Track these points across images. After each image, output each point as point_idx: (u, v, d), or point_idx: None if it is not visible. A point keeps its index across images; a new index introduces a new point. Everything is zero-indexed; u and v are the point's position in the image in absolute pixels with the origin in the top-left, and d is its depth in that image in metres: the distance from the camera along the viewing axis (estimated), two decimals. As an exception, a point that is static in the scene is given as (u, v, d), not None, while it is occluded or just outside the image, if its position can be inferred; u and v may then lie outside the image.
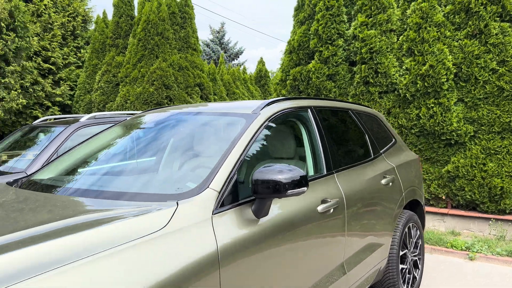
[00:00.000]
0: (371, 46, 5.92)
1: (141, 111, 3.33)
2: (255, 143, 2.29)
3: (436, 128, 5.45)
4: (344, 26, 6.47)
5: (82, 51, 11.75)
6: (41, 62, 10.68)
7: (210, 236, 1.71)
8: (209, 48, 31.14)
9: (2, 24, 9.37)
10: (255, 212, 1.95)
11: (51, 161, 2.68)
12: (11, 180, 2.45)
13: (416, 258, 3.65)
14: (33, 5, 11.09)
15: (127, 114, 5.26)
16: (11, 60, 9.59)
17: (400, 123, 5.79)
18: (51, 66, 10.85)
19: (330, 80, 6.53)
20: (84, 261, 1.33)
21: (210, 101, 10.88)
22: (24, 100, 9.51)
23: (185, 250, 1.60)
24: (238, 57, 33.26)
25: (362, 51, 6.02)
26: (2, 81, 9.42)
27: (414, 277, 3.60)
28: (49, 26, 11.05)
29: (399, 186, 3.38)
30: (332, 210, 2.46)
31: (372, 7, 6.08)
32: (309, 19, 6.99)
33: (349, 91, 6.37)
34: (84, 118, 4.53)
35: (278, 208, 2.12)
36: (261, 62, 18.76)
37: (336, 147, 2.86)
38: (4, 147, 4.74)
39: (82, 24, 11.88)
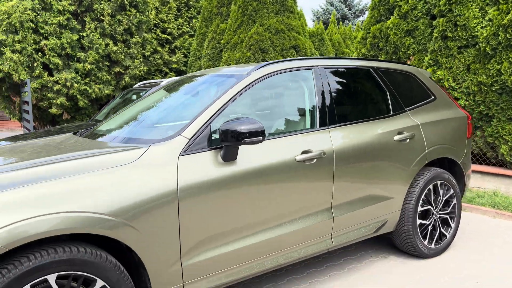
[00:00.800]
0: (449, -4, 5.49)
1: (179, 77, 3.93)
2: (243, 100, 2.68)
3: (518, 85, 4.94)
4: (425, -24, 6.06)
5: (194, 20, 12.91)
6: (159, 33, 12.12)
7: (173, 173, 2.22)
8: (333, 6, 30.49)
9: (126, 2, 10.88)
10: (223, 156, 2.38)
11: (110, 118, 3.45)
12: (79, 131, 3.29)
13: (447, 216, 3.62)
14: (155, -18, 12.46)
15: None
16: (134, 33, 11.14)
17: (479, 80, 5.35)
18: (167, 36, 12.25)
19: (409, 36, 6.26)
20: (72, 176, 1.98)
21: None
22: (145, 68, 11.06)
23: (149, 180, 2.14)
24: (364, 13, 31.81)
25: (440, 3, 5.63)
26: (128, 51, 11.05)
27: (443, 235, 3.61)
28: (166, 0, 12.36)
29: (421, 143, 3.39)
30: (315, 160, 2.74)
31: (454, -47, 5.58)
32: (391, -28, 6.67)
33: (428, 47, 6.04)
34: (163, 82, 5.35)
35: (253, 156, 2.51)
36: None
37: (338, 105, 3.05)
38: (108, 110, 5.89)
39: (194, -5, 12.97)
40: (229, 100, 2.56)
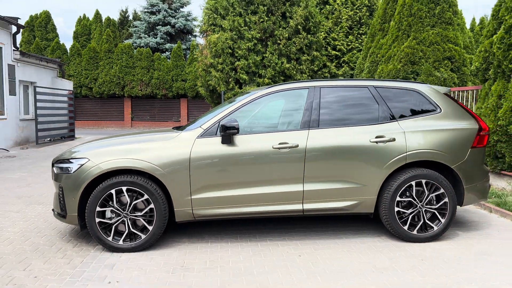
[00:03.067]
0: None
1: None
2: (250, 109, 4.35)
3: None
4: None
5: (363, 37, 14.11)
6: (330, 50, 13.89)
7: (189, 147, 4.11)
8: None
9: (299, 27, 13.12)
10: (222, 141, 4.13)
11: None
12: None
13: (435, 211, 4.27)
14: (330, 6, 14.33)
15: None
16: (305, 52, 13.27)
17: None
18: (337, 53, 13.89)
19: (513, 49, 6.24)
20: (143, 142, 4.13)
21: (463, 73, 10.87)
22: (310, 81, 13.04)
23: (178, 149, 4.10)
24: None
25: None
26: (299, 67, 13.26)
27: (429, 226, 4.28)
28: (339, 20, 14.03)
29: (401, 146, 4.22)
30: (287, 149, 4.14)
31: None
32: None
33: (529, 59, 5.94)
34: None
35: (244, 143, 4.16)
36: None
37: (323, 114, 4.31)
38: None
39: (367, 14, 14.15)
40: (237, 108, 4.28)
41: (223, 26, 13.11)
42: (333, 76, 13.88)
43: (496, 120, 6.39)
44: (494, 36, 6.50)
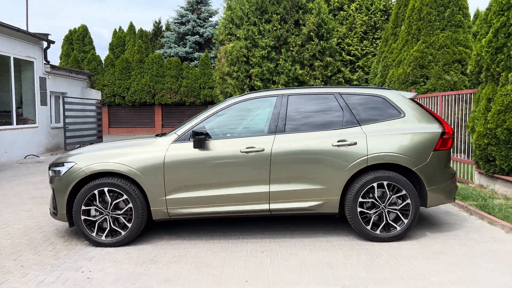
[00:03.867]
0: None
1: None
2: (222, 116, 4.71)
3: None
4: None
5: (377, 41, 14.13)
6: (344, 55, 14.01)
7: (164, 151, 4.50)
8: None
9: (312, 34, 13.35)
10: (193, 145, 4.50)
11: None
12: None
13: (397, 212, 4.44)
14: (344, 12, 14.48)
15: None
16: (318, 58, 13.47)
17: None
18: (351, 58, 13.99)
19: (500, 53, 6.24)
20: (123, 148, 4.57)
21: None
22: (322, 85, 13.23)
23: (153, 153, 4.51)
24: None
25: (513, 19, 5.63)
26: (312, 73, 13.48)
27: (392, 226, 4.45)
28: (353, 26, 14.14)
29: (362, 149, 4.43)
30: (254, 153, 4.46)
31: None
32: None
33: (515, 62, 5.94)
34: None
35: (214, 148, 4.52)
36: None
37: (289, 120, 4.59)
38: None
39: (382, 18, 14.18)
40: (207, 117, 4.65)
41: (238, 35, 13.55)
42: (348, 81, 13.98)
43: (486, 123, 6.40)
44: (483, 40, 6.52)
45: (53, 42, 13.85)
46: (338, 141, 4.49)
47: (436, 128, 4.56)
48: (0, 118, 12.18)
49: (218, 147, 4.52)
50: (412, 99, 4.78)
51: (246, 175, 4.49)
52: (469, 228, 4.92)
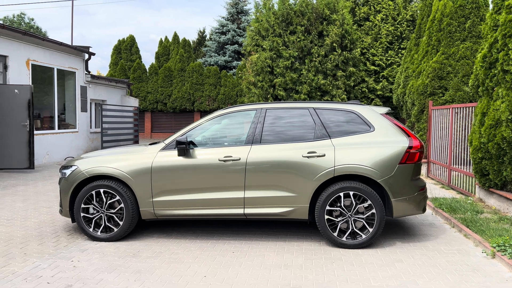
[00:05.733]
0: None
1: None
2: (206, 128, 5.21)
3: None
4: None
5: (403, 51, 14.08)
6: (368, 65, 14.09)
7: (152, 158, 5.05)
8: None
9: (334, 44, 13.57)
10: (178, 153, 5.02)
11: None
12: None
13: (363, 220, 4.70)
14: (370, 22, 14.57)
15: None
16: (341, 67, 13.65)
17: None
18: (376, 68, 14.04)
19: (493, 68, 6.28)
20: (118, 154, 5.18)
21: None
22: (345, 96, 13.39)
23: (144, 159, 5.07)
24: None
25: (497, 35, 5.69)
26: (335, 83, 13.69)
27: (358, 234, 4.72)
28: (378, 36, 14.20)
29: (330, 160, 4.74)
30: (231, 162, 4.90)
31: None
32: None
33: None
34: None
35: (196, 156, 5.01)
36: None
37: (265, 132, 4.99)
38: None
39: (409, 28, 14.13)
40: (192, 128, 5.16)
41: (263, 46, 14.03)
42: (372, 91, 14.02)
43: (480, 137, 6.44)
44: (478, 55, 6.57)
45: (93, 54, 15.04)
46: (308, 153, 4.83)
47: (403, 142, 4.78)
48: (44, 123, 13.44)
49: (199, 156, 5.00)
50: (385, 114, 5.02)
51: (223, 181, 4.93)
52: (442, 240, 5.06)
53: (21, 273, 4.03)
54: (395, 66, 14.13)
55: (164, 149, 5.12)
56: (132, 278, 3.93)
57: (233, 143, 5.18)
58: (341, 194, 4.73)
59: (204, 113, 30.04)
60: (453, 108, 8.60)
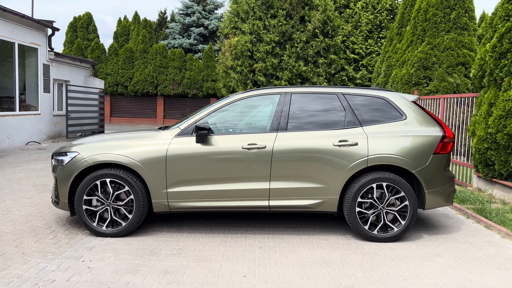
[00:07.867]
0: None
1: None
2: (225, 112, 4.75)
3: None
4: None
5: (382, 41, 14.12)
6: (348, 53, 14.01)
7: (167, 145, 4.54)
8: None
9: (317, 31, 13.34)
10: (196, 140, 4.54)
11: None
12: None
13: (395, 213, 4.49)
14: (350, 10, 14.45)
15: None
16: (323, 54, 13.46)
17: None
18: (355, 56, 13.99)
19: (504, 58, 6.26)
20: (127, 140, 4.61)
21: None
22: (325, 84, 13.23)
23: (156, 146, 4.55)
24: None
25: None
26: (315, 70, 13.48)
27: (390, 227, 4.51)
28: (358, 24, 14.12)
29: (363, 149, 4.47)
30: (256, 150, 4.50)
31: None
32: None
33: (518, 68, 5.96)
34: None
35: (217, 143, 4.55)
36: None
37: (292, 118, 4.62)
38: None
39: (388, 17, 14.16)
40: (210, 113, 4.69)
41: (243, 29, 13.53)
42: (351, 79, 14.00)
43: (486, 127, 6.44)
44: (487, 45, 6.54)
45: (57, 30, 13.84)
46: (340, 141, 4.53)
47: (437, 132, 4.60)
48: (3, 104, 12.22)
49: (220, 143, 4.56)
50: (414, 102, 4.82)
51: (247, 171, 4.53)
52: (466, 232, 4.98)
53: (27, 277, 3.45)
54: (374, 55, 14.16)
55: (179, 135, 4.62)
56: (164, 280, 3.47)
57: (256, 129, 4.78)
58: (374, 185, 4.48)
59: (168, 97, 28.96)
60: (445, 98, 8.62)
